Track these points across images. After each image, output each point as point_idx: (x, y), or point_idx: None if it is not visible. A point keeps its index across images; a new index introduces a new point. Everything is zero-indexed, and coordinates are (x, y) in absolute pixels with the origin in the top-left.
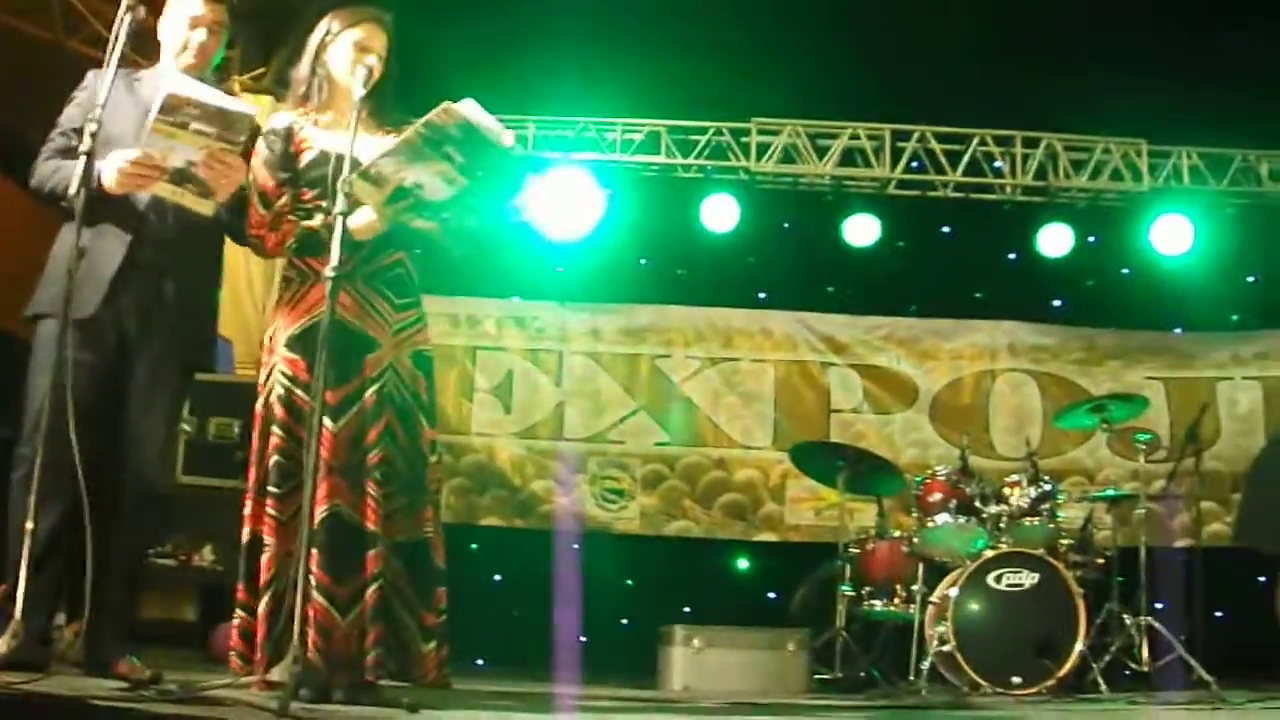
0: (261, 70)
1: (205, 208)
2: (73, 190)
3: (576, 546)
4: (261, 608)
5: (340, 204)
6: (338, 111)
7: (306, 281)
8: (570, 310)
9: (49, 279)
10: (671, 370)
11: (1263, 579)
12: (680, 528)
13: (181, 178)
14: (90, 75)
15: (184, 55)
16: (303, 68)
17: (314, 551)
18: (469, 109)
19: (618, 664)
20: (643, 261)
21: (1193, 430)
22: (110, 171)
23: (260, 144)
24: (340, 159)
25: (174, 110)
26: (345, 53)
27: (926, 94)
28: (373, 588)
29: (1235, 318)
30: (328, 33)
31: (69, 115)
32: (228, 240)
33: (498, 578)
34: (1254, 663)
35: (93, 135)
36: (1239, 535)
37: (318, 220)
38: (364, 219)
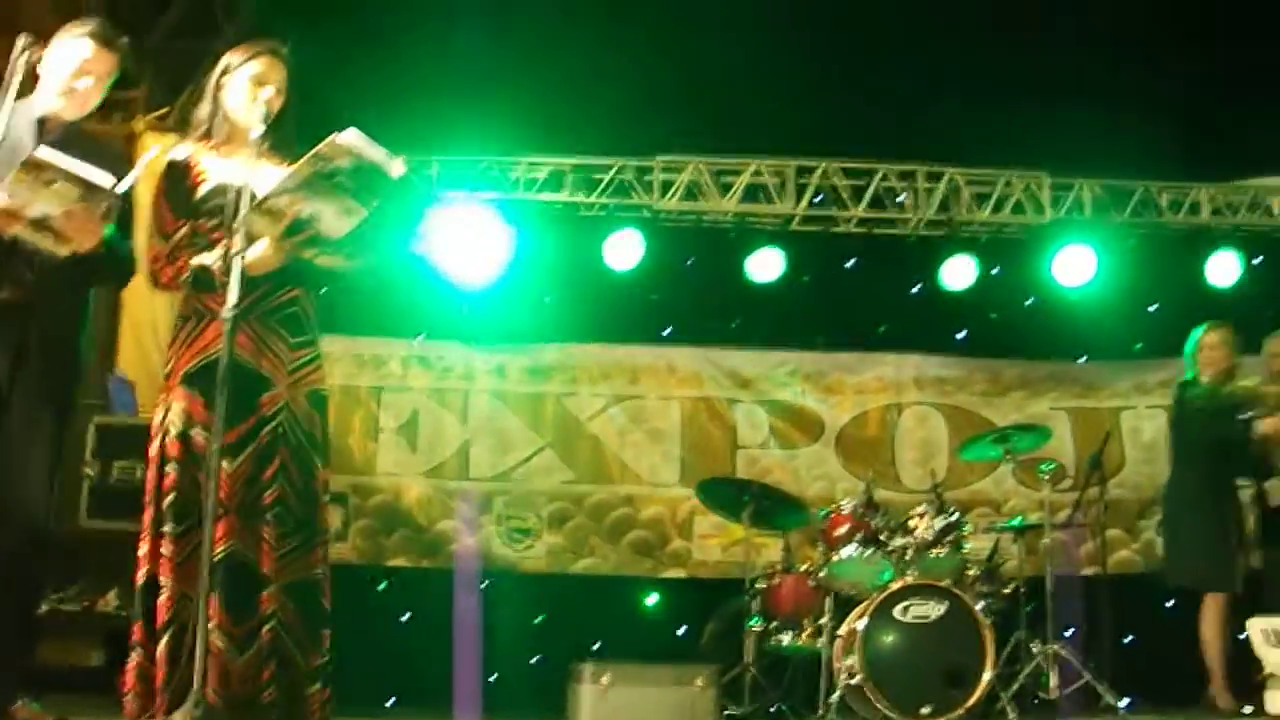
0: (166, 110)
1: (63, 251)
2: None
3: (484, 585)
4: (160, 649)
5: (238, 242)
6: (237, 145)
7: (203, 320)
8: (476, 350)
9: None
10: (577, 408)
11: (1169, 604)
12: (588, 565)
13: (41, 226)
14: None
15: (66, 97)
16: (203, 106)
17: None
18: (354, 138)
19: (528, 702)
20: (547, 299)
21: (1097, 459)
22: None
23: (162, 178)
24: (239, 191)
25: (37, 170)
26: (243, 87)
27: (829, 128)
28: (267, 627)
29: (1138, 346)
30: (226, 68)
31: None
32: (135, 283)
33: (406, 617)
34: (1161, 688)
35: None
36: (1168, 577)
37: (215, 256)
38: (260, 252)
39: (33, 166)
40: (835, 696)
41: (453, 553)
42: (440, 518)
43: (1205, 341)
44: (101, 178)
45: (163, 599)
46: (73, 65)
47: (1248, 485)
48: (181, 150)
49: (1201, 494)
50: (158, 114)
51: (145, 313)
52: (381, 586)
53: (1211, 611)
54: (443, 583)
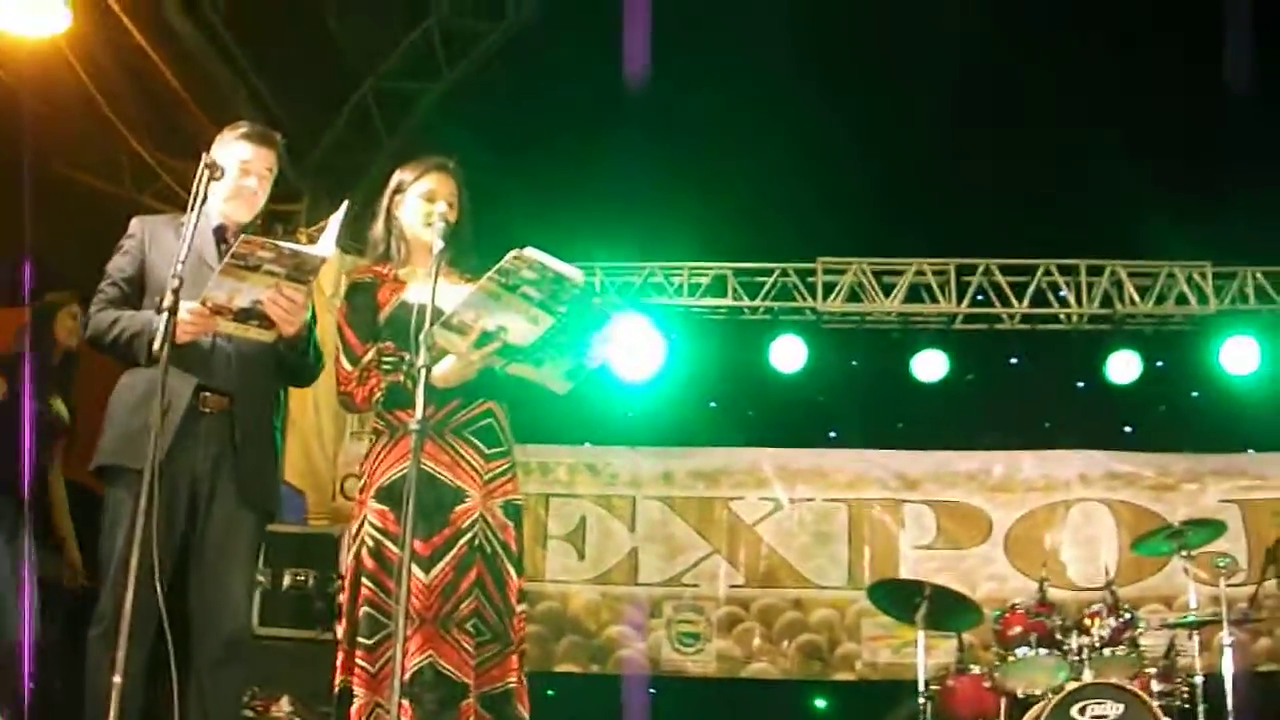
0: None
1: (269, 337)
2: (157, 345)
3: (653, 691)
4: None
5: (423, 356)
6: (416, 264)
7: (396, 434)
8: (641, 454)
9: (113, 427)
10: (745, 512)
11: None
12: (758, 669)
13: (247, 316)
14: (135, 223)
15: (234, 201)
16: (378, 226)
17: (409, 703)
18: (536, 253)
19: None
20: (712, 404)
21: (1272, 551)
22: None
23: (344, 301)
24: (422, 310)
25: (246, 254)
26: (417, 205)
27: (990, 227)
28: None
29: None
30: (399, 186)
31: (117, 264)
32: (299, 391)
33: None
34: None
35: (174, 291)
36: None
37: (403, 374)
38: (449, 367)
39: (242, 253)
40: None
41: (620, 659)
42: (608, 623)
43: None
44: (307, 248)
45: (355, 708)
46: (235, 168)
47: None
48: (363, 274)
49: None
50: (319, 226)
51: (310, 421)
52: (550, 692)
53: None
54: (611, 689)
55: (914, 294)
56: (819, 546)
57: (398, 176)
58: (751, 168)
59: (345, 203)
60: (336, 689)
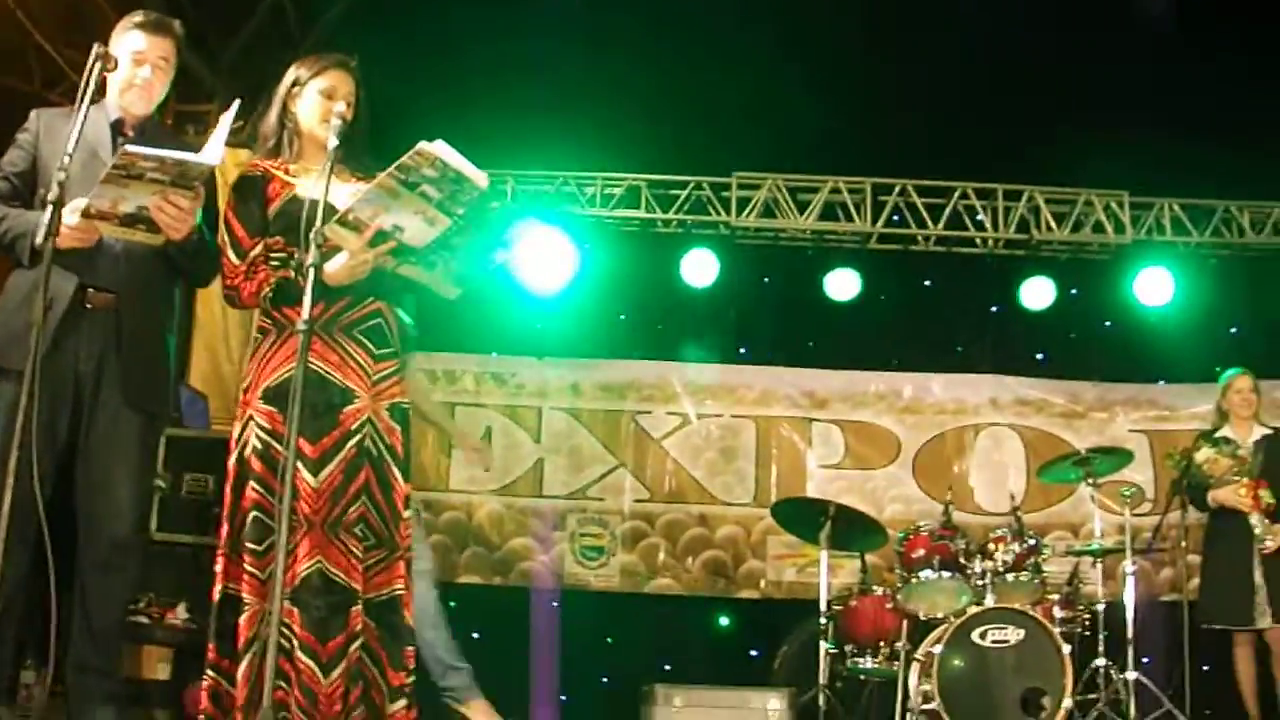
0: (241, 124)
1: (157, 241)
2: (39, 239)
3: (556, 604)
4: (242, 669)
5: (313, 254)
6: (309, 160)
7: (284, 333)
8: (549, 365)
9: None
10: (652, 426)
11: None
12: (661, 585)
13: (133, 220)
14: (32, 116)
15: (129, 93)
16: (271, 119)
17: (297, 610)
18: (441, 148)
19: None
20: (622, 316)
21: (1177, 482)
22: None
23: (232, 194)
24: (313, 206)
25: (128, 165)
26: (314, 101)
27: (907, 147)
28: (354, 646)
29: (1218, 369)
30: (295, 82)
31: (9, 158)
32: (207, 294)
33: (476, 635)
34: (1241, 715)
35: (60, 184)
36: (1197, 617)
37: (292, 271)
38: (340, 265)
39: (124, 164)
40: None
41: (524, 571)
42: (513, 535)
43: (1233, 385)
44: (193, 156)
45: (245, 617)
46: (129, 58)
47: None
48: (253, 167)
49: (1216, 535)
50: (234, 126)
51: (216, 326)
52: (452, 604)
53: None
54: (513, 601)
55: (829, 212)
56: (726, 463)
57: (295, 71)
58: (669, 79)
59: (235, 105)
60: (218, 596)
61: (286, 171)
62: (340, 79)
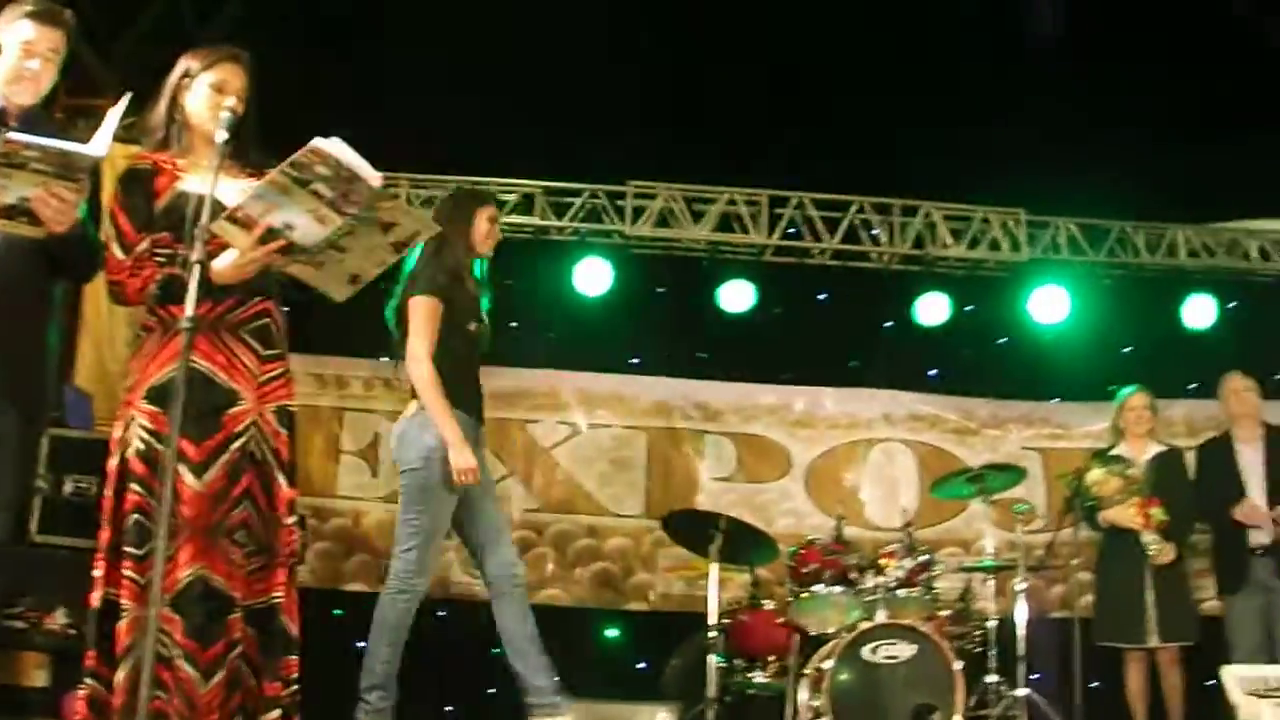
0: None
1: (39, 234)
2: None
3: (442, 614)
4: (120, 676)
5: (198, 251)
6: (198, 155)
7: (169, 331)
8: None
9: None
10: (542, 435)
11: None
12: (549, 596)
13: (13, 212)
14: None
15: (17, 83)
16: (160, 111)
17: (177, 617)
18: (336, 146)
19: None
20: (513, 324)
21: (1070, 500)
22: None
23: (118, 187)
24: (200, 201)
25: (10, 154)
26: (205, 94)
27: (805, 160)
28: (233, 654)
29: (1111, 387)
30: (185, 74)
31: None
32: (94, 292)
33: (362, 644)
34: None
35: None
36: (1090, 635)
37: (178, 267)
38: (228, 262)
39: (2, 153)
40: None
41: None
42: None
43: (1128, 403)
44: (78, 147)
45: (124, 624)
46: (17, 48)
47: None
48: (141, 161)
49: (1109, 553)
50: (125, 122)
51: (103, 324)
52: (338, 612)
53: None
54: None
55: (725, 223)
56: (616, 474)
57: (185, 63)
58: (566, 85)
59: (125, 99)
60: (98, 602)
61: (175, 166)
62: (232, 73)
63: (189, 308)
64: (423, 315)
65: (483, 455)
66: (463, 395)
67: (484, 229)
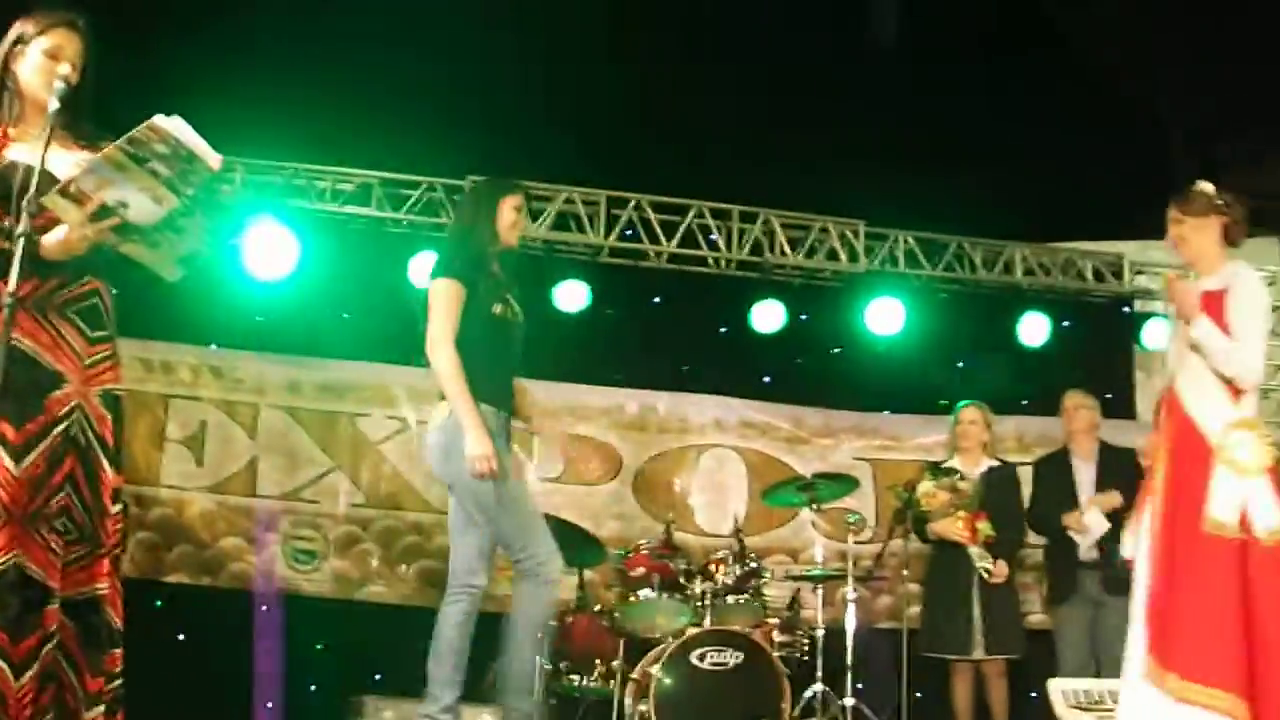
0: None
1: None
2: None
3: (267, 608)
4: None
5: (24, 224)
6: (30, 124)
7: None
8: (269, 361)
9: None
10: (370, 429)
11: None
12: (374, 593)
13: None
14: None
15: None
16: None
17: None
18: (176, 125)
19: None
20: (346, 316)
21: (900, 512)
22: None
23: None
24: (29, 172)
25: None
26: (38, 61)
27: (645, 162)
28: (48, 647)
29: (944, 401)
30: (18, 39)
31: None
32: None
33: (182, 637)
34: None
35: None
36: (916, 646)
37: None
38: (59, 238)
39: None
40: None
41: (235, 572)
42: (224, 534)
43: (963, 417)
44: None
45: None
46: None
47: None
48: None
49: (937, 566)
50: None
51: None
52: (158, 604)
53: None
54: (222, 602)
55: (562, 222)
56: None
57: (19, 28)
58: (407, 77)
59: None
60: None
61: (5, 135)
62: (66, 39)
63: (12, 283)
64: (442, 299)
65: (510, 450)
66: (488, 388)
67: (510, 218)
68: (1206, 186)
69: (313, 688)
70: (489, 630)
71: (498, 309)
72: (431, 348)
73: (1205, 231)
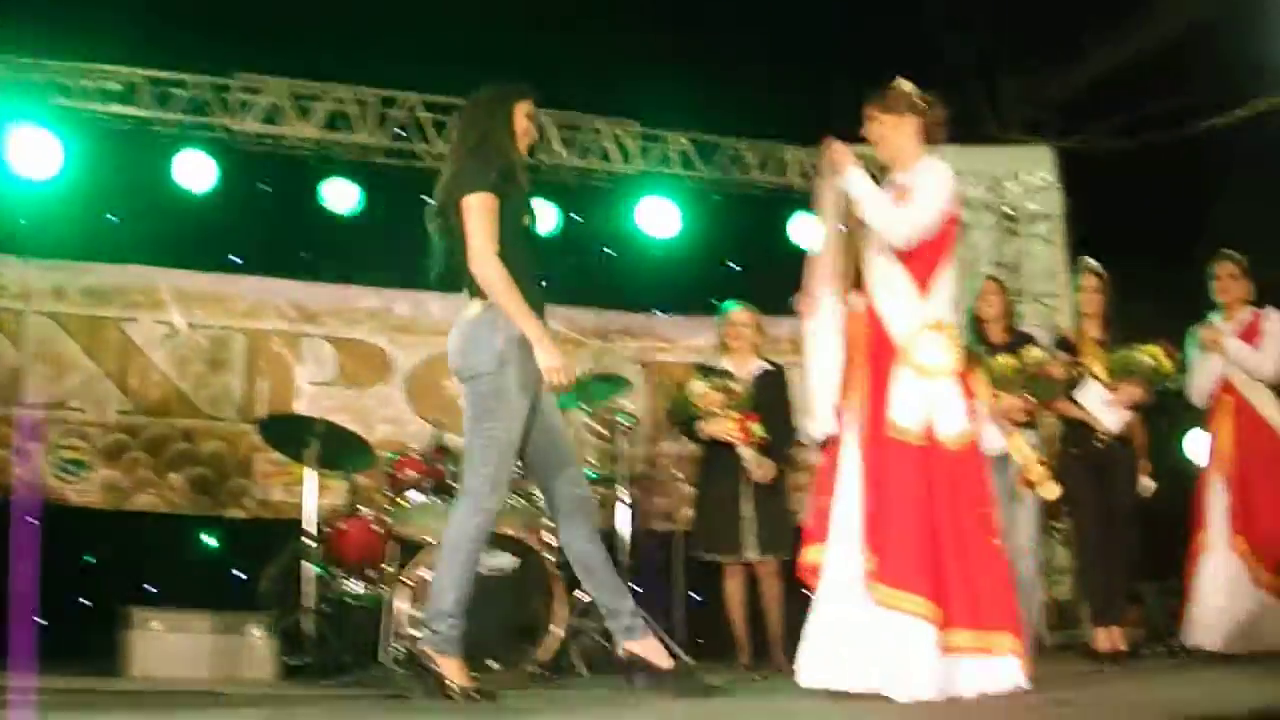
0: None
1: None
2: None
3: (34, 520)
4: None
5: None
6: None
7: None
8: (33, 266)
9: None
10: (138, 335)
11: None
12: (144, 502)
13: None
14: None
15: None
16: None
17: None
18: None
19: (77, 647)
20: (112, 218)
21: (671, 413)
22: None
23: None
24: None
25: None
26: None
27: (419, 60)
28: None
29: (715, 300)
30: None
31: None
32: None
33: None
34: (732, 645)
35: None
36: (689, 548)
37: None
38: None
39: None
40: (398, 646)
41: (2, 484)
42: None
43: (733, 319)
44: None
45: None
46: None
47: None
48: None
49: (708, 467)
50: None
51: None
52: None
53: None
54: None
55: (332, 121)
56: (213, 376)
57: None
58: None
59: None
60: None
61: None
62: None
63: None
64: (481, 213)
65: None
66: (531, 299)
67: (523, 125)
68: (905, 85)
69: (82, 600)
70: (260, 538)
71: (526, 219)
72: (478, 263)
73: (902, 129)
